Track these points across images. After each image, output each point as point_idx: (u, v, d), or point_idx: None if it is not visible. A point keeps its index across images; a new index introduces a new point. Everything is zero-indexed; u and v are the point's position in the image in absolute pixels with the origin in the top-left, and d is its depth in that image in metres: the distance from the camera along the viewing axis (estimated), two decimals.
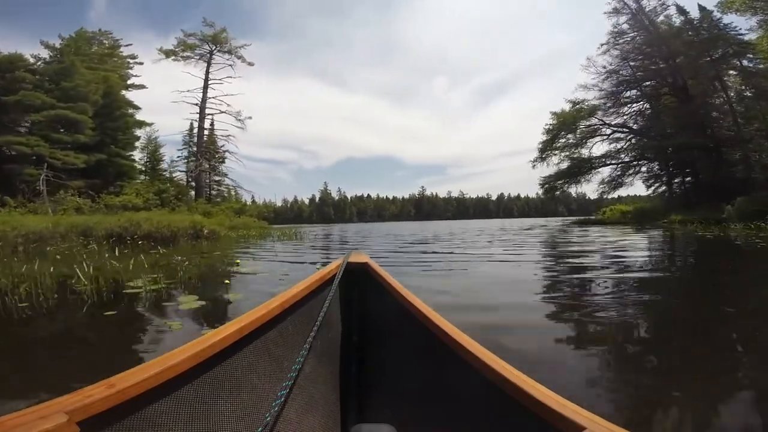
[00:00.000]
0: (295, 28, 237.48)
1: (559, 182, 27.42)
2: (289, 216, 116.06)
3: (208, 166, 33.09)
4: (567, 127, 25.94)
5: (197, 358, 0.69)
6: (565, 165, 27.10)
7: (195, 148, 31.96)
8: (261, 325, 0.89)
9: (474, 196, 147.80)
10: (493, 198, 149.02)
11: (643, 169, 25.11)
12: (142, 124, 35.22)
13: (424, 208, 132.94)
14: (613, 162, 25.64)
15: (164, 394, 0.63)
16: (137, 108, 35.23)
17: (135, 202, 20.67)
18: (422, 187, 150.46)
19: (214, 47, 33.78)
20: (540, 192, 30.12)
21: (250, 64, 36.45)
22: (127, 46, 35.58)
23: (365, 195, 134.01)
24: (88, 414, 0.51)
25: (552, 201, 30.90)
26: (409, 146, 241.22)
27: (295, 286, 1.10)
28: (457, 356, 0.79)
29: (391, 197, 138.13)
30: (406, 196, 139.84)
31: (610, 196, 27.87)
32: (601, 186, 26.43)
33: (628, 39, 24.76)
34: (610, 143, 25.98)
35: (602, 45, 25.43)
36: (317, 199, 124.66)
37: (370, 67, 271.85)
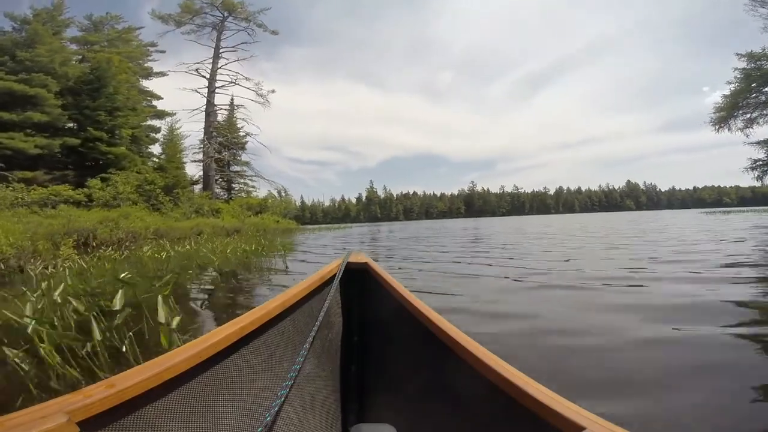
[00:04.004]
0: (330, 33, 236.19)
1: None
2: (338, 216, 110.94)
3: (225, 153, 25.99)
4: None
5: (197, 358, 0.65)
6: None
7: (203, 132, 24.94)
8: (261, 325, 0.84)
9: (529, 190, 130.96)
10: (551, 192, 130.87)
11: None
12: (163, 114, 29.75)
13: (474, 204, 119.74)
14: None
15: (164, 394, 0.60)
16: (156, 96, 29.74)
17: (68, 194, 13.42)
18: (472, 182, 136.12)
19: (226, 14, 26.73)
20: (751, 169, 18.15)
21: (274, 32, 28.89)
22: (139, 29, 30.08)
23: (411, 192, 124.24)
24: (88, 414, 0.48)
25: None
26: (451, 142, 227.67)
27: (295, 286, 1.03)
28: (457, 356, 0.75)
29: (438, 194, 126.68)
30: (455, 192, 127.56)
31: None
32: None
33: None
34: None
35: None
36: (364, 198, 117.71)
37: (407, 67, 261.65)
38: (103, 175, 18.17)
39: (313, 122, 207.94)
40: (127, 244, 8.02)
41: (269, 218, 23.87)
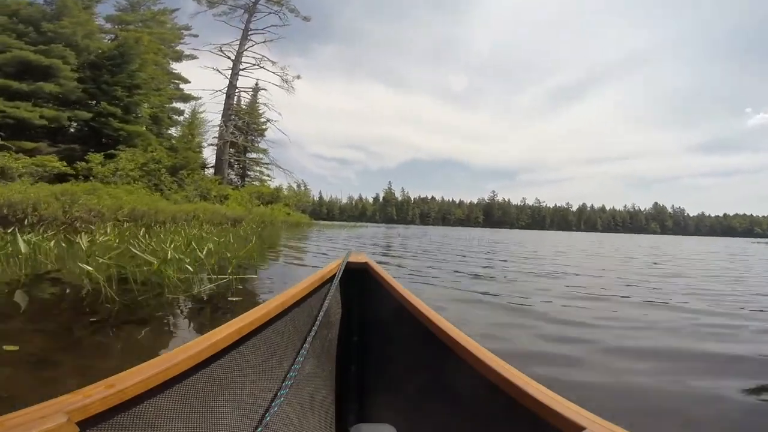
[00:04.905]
0: (359, 30, 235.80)
1: None
2: (354, 214, 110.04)
3: (241, 137, 24.83)
4: None
5: (197, 358, 0.65)
6: None
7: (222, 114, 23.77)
8: (261, 325, 0.83)
9: (551, 205, 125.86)
10: (573, 208, 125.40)
11: None
12: (188, 97, 29.02)
13: (494, 214, 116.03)
14: None
15: (164, 394, 0.60)
16: (184, 79, 29.08)
17: (53, 166, 12.17)
18: (493, 191, 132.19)
19: None
20: None
21: (306, 18, 27.57)
22: (175, 10, 29.48)
23: (429, 197, 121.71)
24: (88, 414, 0.48)
25: None
26: (474, 148, 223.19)
27: (295, 286, 1.02)
28: (457, 356, 0.75)
29: (457, 200, 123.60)
30: (474, 200, 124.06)
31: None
32: None
33: None
34: None
35: None
36: (381, 199, 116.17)
37: (431, 69, 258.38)
38: (112, 151, 17.22)
39: (338, 120, 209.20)
40: (78, 225, 6.58)
41: (279, 209, 22.39)
